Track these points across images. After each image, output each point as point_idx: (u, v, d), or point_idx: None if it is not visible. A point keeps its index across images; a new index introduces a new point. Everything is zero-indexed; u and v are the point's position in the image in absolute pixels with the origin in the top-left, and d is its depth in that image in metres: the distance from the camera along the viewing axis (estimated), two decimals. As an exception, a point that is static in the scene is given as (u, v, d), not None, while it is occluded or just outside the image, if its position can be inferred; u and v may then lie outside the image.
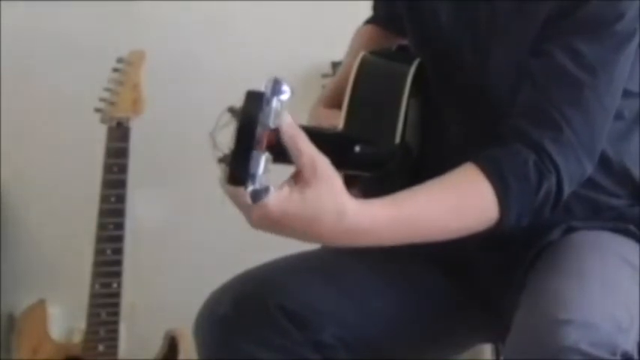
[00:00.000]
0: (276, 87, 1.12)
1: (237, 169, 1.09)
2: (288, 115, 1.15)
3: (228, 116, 1.11)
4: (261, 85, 1.12)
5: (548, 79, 1.39)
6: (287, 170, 1.18)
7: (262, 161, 1.10)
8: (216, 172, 1.14)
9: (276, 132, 1.13)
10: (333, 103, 1.59)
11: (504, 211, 1.32)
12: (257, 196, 1.10)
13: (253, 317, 1.48)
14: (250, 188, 1.09)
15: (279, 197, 1.15)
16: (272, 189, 1.12)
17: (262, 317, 1.48)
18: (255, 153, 1.09)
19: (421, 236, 1.30)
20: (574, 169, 1.37)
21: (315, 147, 1.17)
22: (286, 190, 1.16)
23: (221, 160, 1.11)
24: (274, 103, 1.12)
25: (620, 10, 1.38)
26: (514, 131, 1.37)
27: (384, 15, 1.71)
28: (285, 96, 1.12)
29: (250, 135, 1.09)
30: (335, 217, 1.18)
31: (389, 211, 1.25)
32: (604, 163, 1.48)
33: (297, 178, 1.17)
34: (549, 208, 1.37)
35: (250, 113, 1.10)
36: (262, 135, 1.10)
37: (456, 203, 1.31)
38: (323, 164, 1.17)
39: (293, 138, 1.15)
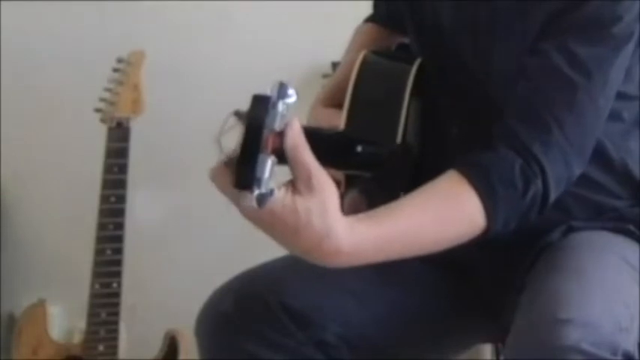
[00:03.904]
0: (282, 90, 1.12)
1: (243, 173, 1.08)
2: (296, 122, 1.15)
3: (234, 120, 1.11)
4: (266, 88, 1.12)
5: (543, 79, 1.38)
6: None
7: (268, 165, 1.09)
8: (208, 173, 1.14)
9: (281, 135, 1.13)
10: (333, 102, 1.59)
11: (491, 219, 1.30)
12: (263, 199, 1.10)
13: (255, 316, 1.48)
14: (256, 192, 1.08)
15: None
16: (276, 191, 1.12)
17: (264, 316, 1.48)
18: (261, 157, 1.08)
19: (408, 252, 1.27)
20: (561, 172, 1.36)
21: (316, 160, 1.15)
22: (282, 191, 1.14)
23: (227, 164, 1.11)
24: (280, 106, 1.11)
25: (618, 13, 1.38)
26: (504, 130, 1.36)
27: (385, 14, 1.71)
28: (291, 99, 1.12)
29: (257, 139, 1.08)
30: (320, 234, 1.15)
31: (375, 232, 1.21)
32: (606, 162, 1.49)
33: (293, 187, 1.15)
34: (536, 212, 1.35)
35: (257, 117, 1.09)
36: (268, 138, 1.10)
37: (443, 216, 1.29)
38: (319, 179, 1.15)
39: (295, 149, 1.13)
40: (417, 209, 1.28)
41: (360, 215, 1.22)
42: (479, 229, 1.31)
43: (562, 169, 1.36)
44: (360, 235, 1.20)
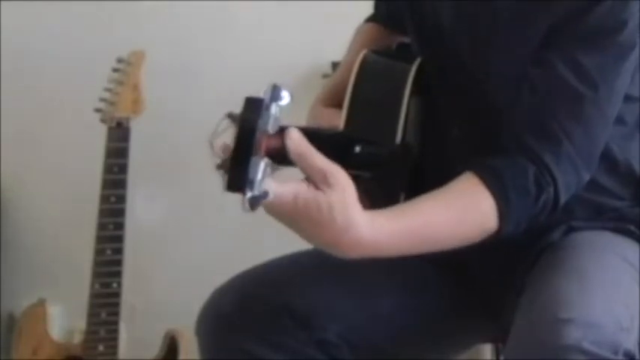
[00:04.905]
0: (275, 93, 1.12)
1: (235, 175, 1.08)
2: (294, 131, 1.15)
3: (227, 122, 1.11)
4: (260, 90, 1.12)
5: (549, 90, 1.40)
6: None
7: (261, 167, 1.09)
8: (216, 173, 1.14)
9: (275, 137, 1.13)
10: (333, 101, 1.59)
11: (504, 223, 1.34)
12: (255, 202, 1.10)
13: (256, 316, 1.49)
14: (249, 195, 1.09)
15: (297, 188, 1.16)
16: (271, 194, 1.12)
17: (265, 316, 1.48)
18: (253, 159, 1.09)
19: (424, 248, 1.31)
20: (571, 180, 1.39)
21: (325, 158, 1.17)
22: (304, 186, 1.17)
23: (220, 167, 1.11)
24: (273, 108, 1.12)
25: (623, 21, 1.38)
26: (515, 142, 1.38)
27: (386, 13, 1.71)
28: (284, 102, 1.12)
29: (249, 141, 1.09)
30: (342, 228, 1.19)
31: (394, 226, 1.25)
32: (610, 163, 1.50)
33: (313, 183, 1.18)
34: (545, 216, 1.38)
35: (249, 119, 1.10)
36: (261, 141, 1.10)
37: (459, 216, 1.33)
38: (336, 176, 1.17)
39: (300, 157, 1.16)
40: (435, 206, 1.32)
41: (380, 210, 1.25)
42: (491, 230, 1.34)
43: (572, 177, 1.39)
44: (381, 228, 1.23)
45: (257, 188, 1.09)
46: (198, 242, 2.59)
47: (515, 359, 1.30)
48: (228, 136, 1.11)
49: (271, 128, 1.12)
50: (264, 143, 1.11)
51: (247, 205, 1.10)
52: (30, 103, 2.47)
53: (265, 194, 1.11)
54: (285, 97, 1.12)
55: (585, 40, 1.39)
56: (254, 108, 1.10)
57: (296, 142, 1.15)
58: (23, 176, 2.49)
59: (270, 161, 1.12)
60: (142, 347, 2.35)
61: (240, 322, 1.49)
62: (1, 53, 2.42)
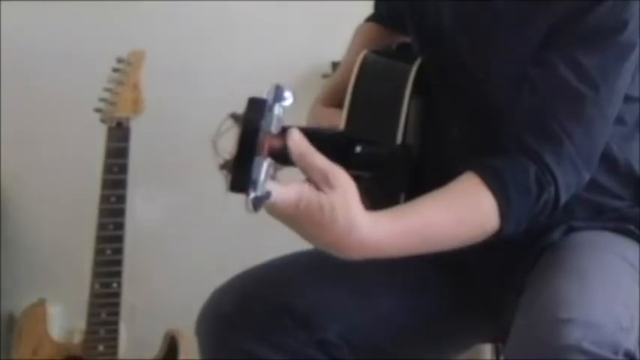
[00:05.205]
0: (278, 93, 1.12)
1: (238, 175, 1.09)
2: (295, 131, 1.15)
3: (230, 122, 1.11)
4: (260, 90, 1.13)
5: (550, 91, 1.40)
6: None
7: (264, 167, 1.10)
8: (217, 173, 1.15)
9: (278, 138, 1.14)
10: (333, 101, 1.59)
11: (505, 222, 1.34)
12: (259, 202, 1.10)
13: (256, 316, 1.49)
14: (252, 195, 1.09)
15: (299, 190, 1.16)
16: (273, 194, 1.12)
17: (265, 316, 1.49)
18: (257, 159, 1.09)
19: (426, 249, 1.31)
20: (571, 179, 1.39)
21: (326, 158, 1.17)
22: (306, 187, 1.17)
23: (223, 167, 1.11)
24: (276, 109, 1.12)
25: (623, 21, 1.39)
26: (515, 142, 1.39)
27: (386, 13, 1.71)
28: (287, 102, 1.13)
29: (252, 142, 1.09)
30: (344, 229, 1.19)
31: (396, 227, 1.26)
32: (610, 163, 1.50)
33: (315, 184, 1.18)
34: (546, 216, 1.38)
35: (252, 120, 1.10)
36: (264, 141, 1.10)
37: (460, 216, 1.33)
38: (337, 176, 1.18)
39: (302, 157, 1.16)
40: (436, 206, 1.32)
41: (381, 211, 1.25)
42: (493, 230, 1.34)
43: (572, 177, 1.39)
44: (383, 229, 1.23)
45: (260, 189, 1.09)
46: (198, 242, 2.59)
47: (515, 359, 1.30)
48: (231, 137, 1.11)
49: (274, 129, 1.12)
50: (267, 144, 1.11)
51: (251, 205, 1.10)
52: (30, 103, 2.47)
53: (268, 195, 1.12)
54: (289, 98, 1.13)
55: (586, 40, 1.39)
56: (257, 108, 1.11)
57: (297, 142, 1.15)
58: (23, 176, 2.49)
59: (272, 161, 1.12)
60: (142, 347, 2.35)
61: (240, 322, 1.49)
62: (1, 53, 2.42)
